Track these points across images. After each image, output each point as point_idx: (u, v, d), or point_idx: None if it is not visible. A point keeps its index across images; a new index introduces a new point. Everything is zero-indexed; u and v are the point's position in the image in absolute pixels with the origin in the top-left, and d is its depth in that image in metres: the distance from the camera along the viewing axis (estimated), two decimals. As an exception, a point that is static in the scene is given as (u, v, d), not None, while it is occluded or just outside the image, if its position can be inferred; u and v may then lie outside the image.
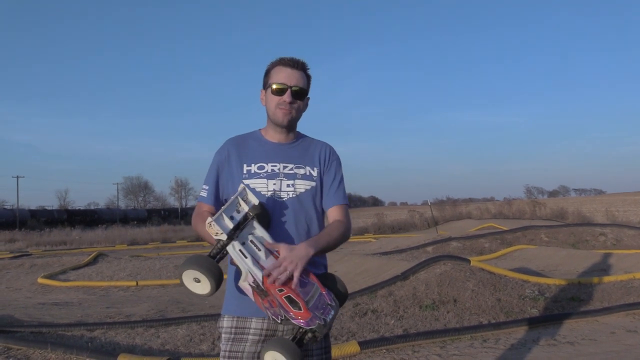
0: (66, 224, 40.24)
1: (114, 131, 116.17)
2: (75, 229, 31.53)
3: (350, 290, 6.42)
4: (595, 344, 4.47)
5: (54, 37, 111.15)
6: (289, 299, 1.57)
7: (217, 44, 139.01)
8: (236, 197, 1.72)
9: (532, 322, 5.04)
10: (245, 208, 1.72)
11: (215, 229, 1.64)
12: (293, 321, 1.57)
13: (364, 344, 4.28)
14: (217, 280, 1.62)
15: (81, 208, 61.62)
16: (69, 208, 59.34)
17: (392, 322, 5.29)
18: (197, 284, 1.63)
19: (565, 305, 5.96)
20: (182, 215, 57.53)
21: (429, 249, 11.23)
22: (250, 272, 1.63)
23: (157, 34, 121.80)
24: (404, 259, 9.25)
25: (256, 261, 1.65)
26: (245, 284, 1.67)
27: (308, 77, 1.93)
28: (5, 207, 54.44)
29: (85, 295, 8.07)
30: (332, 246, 1.82)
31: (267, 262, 1.66)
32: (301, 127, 2.01)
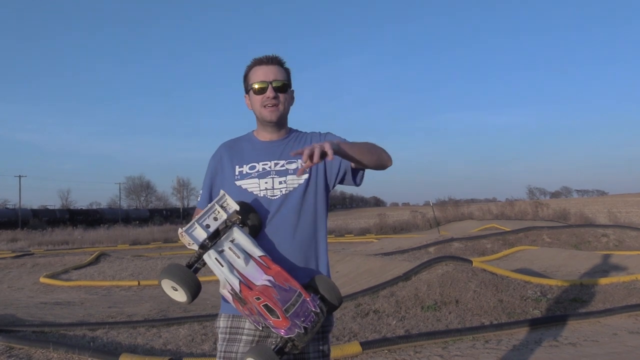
0: (68, 224, 40.26)
1: (116, 131, 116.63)
2: (78, 229, 31.57)
3: (352, 291, 6.46)
4: (597, 345, 4.46)
5: (57, 37, 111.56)
6: (266, 307, 1.53)
7: (219, 44, 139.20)
8: (213, 205, 1.67)
9: (534, 323, 5.03)
10: (224, 215, 1.67)
11: (187, 240, 1.61)
12: (272, 329, 1.54)
13: (365, 345, 4.28)
14: (192, 289, 1.59)
15: (83, 208, 61.79)
16: (71, 208, 59.46)
17: (394, 322, 5.29)
18: (176, 292, 1.62)
19: (567, 306, 5.94)
20: (184, 215, 57.59)
21: (431, 249, 11.22)
22: (227, 280, 1.60)
23: (159, 34, 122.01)
24: (406, 259, 9.26)
25: (234, 269, 1.61)
26: (224, 291, 1.65)
27: (287, 71, 1.89)
28: (8, 206, 54.50)
29: (87, 294, 8.09)
30: (367, 149, 1.72)
31: (247, 269, 1.62)
32: (301, 127, 1.99)
